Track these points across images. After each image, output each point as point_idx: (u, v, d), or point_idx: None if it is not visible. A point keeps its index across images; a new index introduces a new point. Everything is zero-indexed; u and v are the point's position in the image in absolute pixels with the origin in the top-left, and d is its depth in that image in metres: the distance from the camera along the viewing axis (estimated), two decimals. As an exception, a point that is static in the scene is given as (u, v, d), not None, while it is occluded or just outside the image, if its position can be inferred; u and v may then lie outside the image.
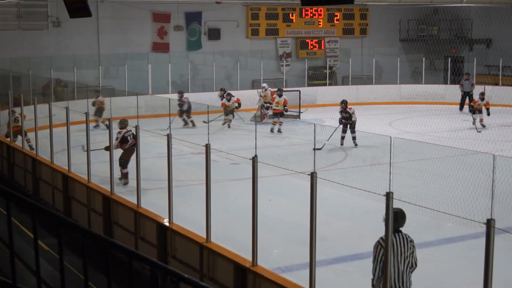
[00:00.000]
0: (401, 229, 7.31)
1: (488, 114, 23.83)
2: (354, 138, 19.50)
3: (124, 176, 14.40)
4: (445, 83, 32.78)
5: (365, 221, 12.10)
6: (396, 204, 6.87)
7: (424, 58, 32.67)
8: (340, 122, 19.71)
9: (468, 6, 31.96)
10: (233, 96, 24.21)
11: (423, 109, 29.13)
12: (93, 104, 22.33)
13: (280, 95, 22.64)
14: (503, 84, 30.51)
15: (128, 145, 14.22)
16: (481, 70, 33.10)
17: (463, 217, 7.37)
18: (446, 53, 34.80)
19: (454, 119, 25.71)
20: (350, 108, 19.92)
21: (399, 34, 36.34)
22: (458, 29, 36.05)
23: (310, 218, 7.71)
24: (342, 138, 19.68)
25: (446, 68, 32.93)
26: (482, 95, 23.88)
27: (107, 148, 12.87)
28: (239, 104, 24.29)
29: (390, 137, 7.50)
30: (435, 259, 10.53)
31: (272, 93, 24.17)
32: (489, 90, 29.95)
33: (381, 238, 7.15)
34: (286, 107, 22.68)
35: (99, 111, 22.51)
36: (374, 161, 15.44)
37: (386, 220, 6.91)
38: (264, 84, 25.03)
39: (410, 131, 22.32)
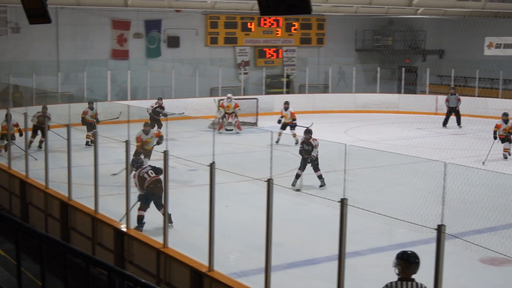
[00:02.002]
0: (413, 277, 6.31)
1: (510, 141, 19.75)
2: (319, 177, 15.60)
3: (139, 219, 11.98)
4: (399, 92, 33.38)
5: (320, 227, 12.32)
6: (350, 210, 7.02)
7: (379, 68, 33.19)
8: (301, 154, 15.78)
9: (422, 18, 32.58)
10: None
11: (378, 117, 29.59)
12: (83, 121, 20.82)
13: (286, 108, 22.55)
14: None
15: (148, 183, 11.98)
16: (434, 80, 33.77)
17: (415, 223, 7.51)
18: (400, 63, 35.44)
19: (407, 127, 26.18)
20: (314, 140, 15.77)
21: (355, 44, 36.85)
22: (412, 40, 36.76)
23: (266, 224, 7.84)
24: (296, 177, 15.52)
25: (400, 78, 33.54)
26: (505, 116, 19.95)
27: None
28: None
29: (345, 145, 7.69)
30: (387, 263, 10.74)
31: (236, 105, 24.31)
32: (442, 99, 30.62)
33: (387, 285, 6.33)
34: (295, 121, 22.40)
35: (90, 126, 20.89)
36: (329, 168, 15.68)
37: (341, 227, 7.04)
38: (229, 95, 25.17)
39: (365, 139, 22.69)
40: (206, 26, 32.33)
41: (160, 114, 23.04)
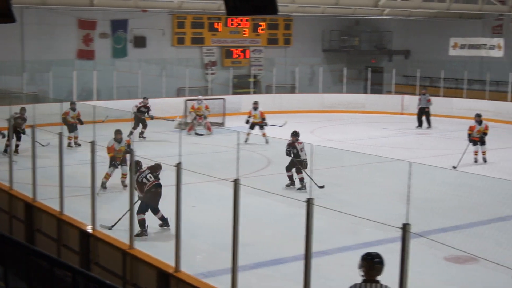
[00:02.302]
0: (378, 278, 6.27)
1: (483, 143, 19.10)
2: (301, 180, 15.38)
3: (140, 224, 11.62)
4: (366, 92, 33.65)
5: (287, 227, 12.34)
6: (316, 210, 7.05)
7: (345, 68, 33.40)
8: (288, 155, 15.65)
9: (388, 19, 32.87)
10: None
11: (344, 117, 29.79)
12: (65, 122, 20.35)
13: (256, 108, 22.61)
14: (420, 94, 31.44)
15: (148, 187, 11.76)
16: (400, 80, 34.09)
17: (380, 222, 7.55)
18: (366, 63, 35.76)
19: (374, 127, 26.38)
20: (299, 143, 15.54)
21: (321, 44, 37.00)
22: (378, 40, 37.06)
23: (233, 224, 7.85)
24: (290, 179, 15.66)
25: (366, 78, 33.80)
26: (479, 117, 19.41)
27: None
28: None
29: (312, 145, 7.73)
30: (354, 263, 10.82)
31: (206, 106, 24.27)
32: (407, 99, 30.98)
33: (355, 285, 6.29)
34: (265, 120, 22.47)
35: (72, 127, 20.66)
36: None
37: (307, 227, 7.07)
38: (200, 97, 25.18)
39: (332, 139, 22.82)
40: (173, 26, 32.21)
41: (146, 114, 23.03)
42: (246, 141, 21.32)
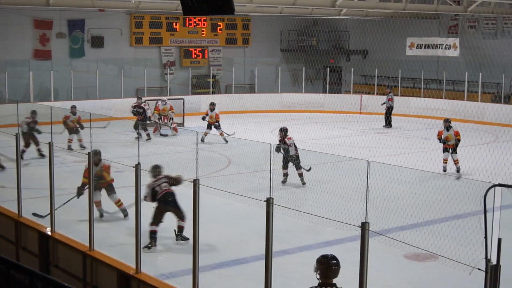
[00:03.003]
0: (335, 281, 6.20)
1: (454, 150, 17.71)
2: (300, 175, 15.94)
3: (151, 235, 11.00)
4: (324, 92, 33.91)
5: (248, 227, 12.36)
6: (276, 210, 7.09)
7: (304, 68, 33.57)
8: (277, 151, 15.76)
9: (345, 18, 33.14)
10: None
11: (303, 117, 29.93)
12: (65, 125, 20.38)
13: (212, 109, 22.60)
14: (378, 93, 31.84)
15: (159, 196, 11.23)
16: (358, 79, 34.39)
17: (339, 221, 7.59)
18: (325, 63, 35.97)
19: (333, 126, 26.58)
20: (289, 138, 16.13)
21: (280, 44, 37.15)
22: (336, 40, 37.34)
23: (193, 224, 7.85)
24: (284, 175, 16.03)
25: (325, 78, 34.01)
26: (447, 122, 18.02)
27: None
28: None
29: (270, 144, 7.74)
30: (313, 261, 10.88)
31: (170, 107, 24.22)
32: (366, 99, 31.26)
33: None
34: (217, 122, 22.49)
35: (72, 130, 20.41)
36: (256, 168, 15.76)
37: (267, 227, 7.09)
38: (164, 98, 25.10)
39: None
40: (131, 26, 32.01)
41: (143, 115, 22.91)
42: (202, 139, 21.35)
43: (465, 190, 13.83)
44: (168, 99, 25.40)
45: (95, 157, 12.47)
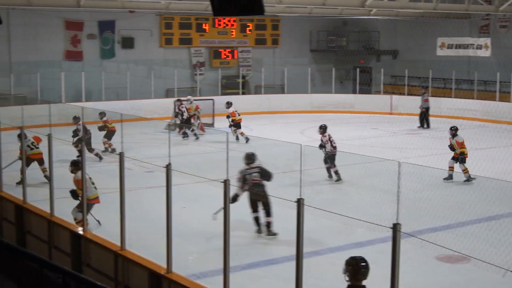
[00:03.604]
0: (364, 283, 6.28)
1: (463, 161, 16.79)
2: (335, 173, 16.50)
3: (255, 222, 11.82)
4: (354, 92, 33.73)
5: (277, 228, 12.34)
6: (307, 210, 7.05)
7: (333, 68, 33.45)
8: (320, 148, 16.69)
9: (375, 19, 32.97)
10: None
11: (333, 117, 29.79)
12: (101, 128, 20.13)
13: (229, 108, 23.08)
14: (408, 94, 31.61)
15: (248, 186, 11.67)
16: (388, 80, 34.19)
17: (370, 222, 7.55)
18: (355, 63, 35.82)
19: (363, 127, 26.43)
20: (325, 136, 16.87)
21: (309, 44, 37.07)
22: (366, 40, 37.15)
23: (224, 225, 7.85)
24: (327, 170, 16.71)
25: (355, 78, 33.87)
26: (452, 130, 17.34)
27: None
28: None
29: (301, 145, 7.71)
30: (344, 262, 10.87)
31: (197, 107, 24.31)
32: (396, 99, 31.06)
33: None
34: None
35: (109, 134, 20.10)
36: (286, 168, 15.73)
37: (298, 227, 7.05)
38: (189, 97, 25.17)
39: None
40: (161, 27, 32.18)
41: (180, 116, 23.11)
42: (237, 138, 21.82)
43: (498, 192, 13.73)
44: (197, 100, 25.47)
45: (73, 167, 12.23)
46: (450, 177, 16.59)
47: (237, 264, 9.18)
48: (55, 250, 10.90)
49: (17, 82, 28.07)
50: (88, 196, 11.35)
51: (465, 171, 16.50)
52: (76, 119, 18.72)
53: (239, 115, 23.01)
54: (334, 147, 16.55)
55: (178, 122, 24.42)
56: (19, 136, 13.64)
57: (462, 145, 16.97)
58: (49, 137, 11.43)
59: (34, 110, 20.83)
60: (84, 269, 10.14)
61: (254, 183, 11.69)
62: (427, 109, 27.11)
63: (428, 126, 26.86)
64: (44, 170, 15.46)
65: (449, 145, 17.28)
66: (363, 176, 16.22)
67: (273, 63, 35.43)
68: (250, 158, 12.11)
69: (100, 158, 18.26)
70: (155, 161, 11.05)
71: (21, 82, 28.43)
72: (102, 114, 20.17)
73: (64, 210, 11.44)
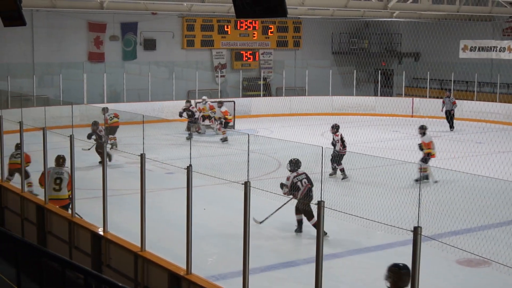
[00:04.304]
0: None
1: (426, 161, 17.05)
2: (341, 171, 16.87)
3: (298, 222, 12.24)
4: (376, 95, 33.64)
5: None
6: (327, 213, 7.05)
7: (355, 71, 33.38)
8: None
9: (397, 21, 32.84)
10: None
11: (355, 120, 29.76)
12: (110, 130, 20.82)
13: (220, 107, 23.12)
14: (430, 97, 31.46)
15: (301, 194, 11.97)
16: (409, 82, 34.06)
17: (391, 225, 7.54)
18: (376, 66, 35.72)
19: (384, 130, 26.36)
20: (337, 135, 17.28)
21: (331, 46, 37.03)
22: (388, 42, 37.03)
23: (244, 227, 7.86)
24: (341, 171, 16.92)
25: (376, 81, 33.77)
26: (420, 129, 17.50)
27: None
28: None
29: (322, 147, 7.71)
30: (365, 265, 10.85)
31: (211, 107, 24.30)
32: (417, 102, 30.93)
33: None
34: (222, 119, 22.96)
35: (112, 130, 20.82)
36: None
37: (318, 230, 7.06)
38: (204, 97, 25.16)
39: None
40: (183, 29, 32.31)
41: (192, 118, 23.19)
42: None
43: (520, 195, 13.62)
44: (215, 101, 25.50)
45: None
46: (425, 178, 16.30)
47: (256, 266, 9.19)
48: (76, 251, 10.97)
49: (40, 83, 28.36)
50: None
51: (424, 170, 16.05)
52: (95, 124, 18.42)
53: (230, 115, 23.14)
54: (344, 147, 16.88)
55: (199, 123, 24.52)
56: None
57: (428, 145, 17.02)
58: (71, 138, 11.51)
59: (56, 111, 21.03)
60: (104, 269, 10.19)
61: (309, 189, 12.04)
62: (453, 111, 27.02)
63: (452, 127, 26.80)
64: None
65: (418, 144, 17.29)
66: (384, 178, 16.16)
67: (294, 65, 35.42)
68: (296, 164, 12.48)
69: (110, 158, 18.00)
70: (175, 163, 11.11)
71: (44, 83, 28.71)
72: (104, 109, 20.76)
73: (86, 211, 11.52)
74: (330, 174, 16.91)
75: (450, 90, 29.44)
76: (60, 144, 15.74)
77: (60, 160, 12.35)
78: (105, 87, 28.21)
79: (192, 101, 25.12)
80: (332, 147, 16.86)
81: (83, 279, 6.27)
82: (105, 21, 30.09)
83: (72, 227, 11.08)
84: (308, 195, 11.93)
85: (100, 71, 28.98)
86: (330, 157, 16.94)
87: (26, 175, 13.95)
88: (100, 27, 30.11)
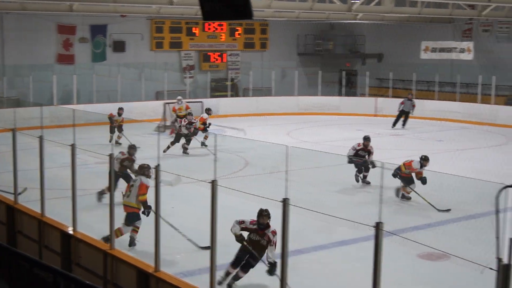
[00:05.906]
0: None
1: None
2: (365, 177, 16.60)
3: None
4: (340, 95, 34.12)
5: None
6: (292, 210, 7.28)
7: (320, 71, 33.75)
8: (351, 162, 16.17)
9: (361, 23, 33.29)
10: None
11: (319, 119, 30.09)
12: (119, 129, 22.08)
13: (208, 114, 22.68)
14: (393, 96, 31.96)
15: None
16: (373, 83, 34.55)
17: (354, 221, 7.64)
18: (341, 66, 36.19)
19: (348, 129, 26.69)
20: (371, 147, 16.96)
21: (297, 48, 37.34)
22: (352, 44, 37.51)
23: (211, 224, 8.06)
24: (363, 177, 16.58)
25: (341, 81, 34.26)
26: (422, 160, 15.05)
27: None
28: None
29: (287, 146, 7.92)
30: (328, 260, 11.08)
31: (187, 107, 24.07)
32: (381, 101, 31.41)
33: None
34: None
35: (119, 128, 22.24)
36: (272, 169, 16.01)
37: (283, 226, 7.28)
38: (179, 97, 25.07)
39: (307, 141, 23.07)
40: (151, 31, 32.40)
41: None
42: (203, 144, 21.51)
43: (478, 191, 14.07)
44: (188, 102, 25.46)
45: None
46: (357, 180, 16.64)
47: (224, 262, 9.41)
48: (46, 250, 11.06)
49: (10, 85, 28.23)
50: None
51: (408, 192, 15.03)
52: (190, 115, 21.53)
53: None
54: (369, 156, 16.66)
55: (168, 124, 24.51)
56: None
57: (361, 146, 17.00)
58: (41, 139, 11.61)
59: (26, 112, 21.04)
60: (74, 268, 10.27)
61: None
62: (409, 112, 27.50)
63: (395, 125, 27.42)
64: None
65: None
66: (347, 176, 16.47)
67: (261, 66, 35.70)
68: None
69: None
70: (146, 162, 11.32)
71: (14, 85, 28.58)
72: (120, 109, 22.26)
73: (55, 211, 11.62)
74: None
75: (412, 92, 29.89)
76: (30, 145, 15.86)
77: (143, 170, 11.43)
78: (74, 88, 28.21)
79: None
80: (361, 157, 16.35)
81: (52, 278, 6.45)
82: (75, 24, 30.03)
83: (41, 227, 11.17)
84: None
85: (69, 73, 28.92)
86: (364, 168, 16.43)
87: None
88: (70, 29, 30.05)
